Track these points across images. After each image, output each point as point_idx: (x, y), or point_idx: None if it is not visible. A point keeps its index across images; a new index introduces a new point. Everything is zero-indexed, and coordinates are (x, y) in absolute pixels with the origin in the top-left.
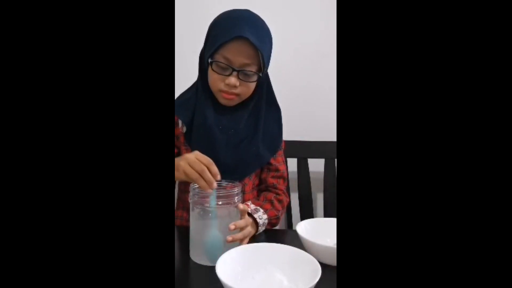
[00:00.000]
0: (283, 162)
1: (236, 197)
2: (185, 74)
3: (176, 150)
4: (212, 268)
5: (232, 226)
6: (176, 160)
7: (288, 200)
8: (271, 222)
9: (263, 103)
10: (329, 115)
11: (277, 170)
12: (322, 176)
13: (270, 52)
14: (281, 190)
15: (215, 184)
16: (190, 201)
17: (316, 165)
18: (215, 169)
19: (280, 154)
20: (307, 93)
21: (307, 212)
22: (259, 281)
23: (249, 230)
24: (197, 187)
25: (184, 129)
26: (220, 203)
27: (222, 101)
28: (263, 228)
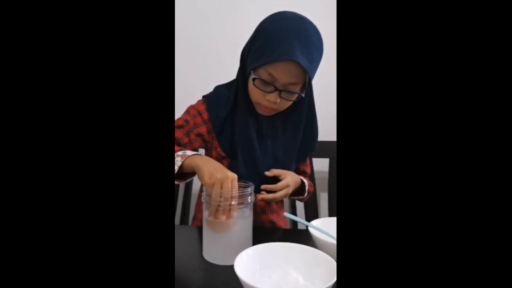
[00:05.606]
0: (309, 164)
1: (249, 197)
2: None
3: (199, 143)
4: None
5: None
6: (215, 164)
7: (312, 188)
8: (309, 190)
9: (304, 114)
10: (333, 115)
11: (304, 172)
12: (326, 175)
13: (318, 66)
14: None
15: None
16: (202, 200)
17: (321, 165)
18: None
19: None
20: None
21: (311, 211)
22: (276, 280)
23: (282, 194)
24: None
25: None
26: (233, 203)
27: (260, 112)
28: (306, 192)
